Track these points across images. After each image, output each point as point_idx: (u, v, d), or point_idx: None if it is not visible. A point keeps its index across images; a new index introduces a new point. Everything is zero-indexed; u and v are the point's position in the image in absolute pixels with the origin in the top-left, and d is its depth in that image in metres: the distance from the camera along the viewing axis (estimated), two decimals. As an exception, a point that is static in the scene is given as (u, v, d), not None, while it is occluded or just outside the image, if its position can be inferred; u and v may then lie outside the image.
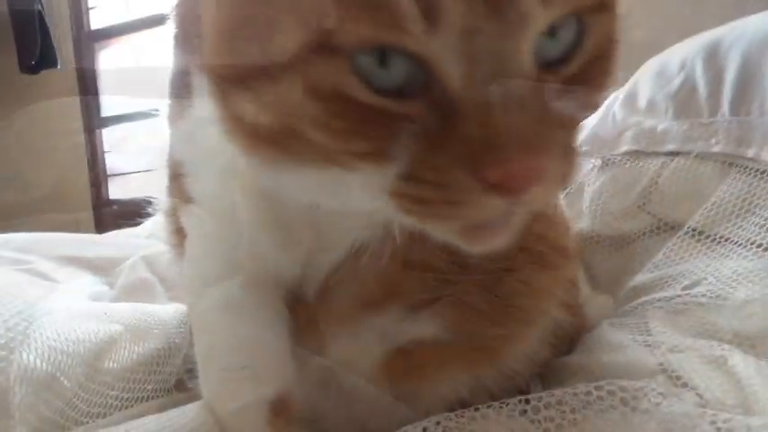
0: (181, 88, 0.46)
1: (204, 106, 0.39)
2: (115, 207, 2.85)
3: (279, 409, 0.41)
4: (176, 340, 0.54)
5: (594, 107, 0.34)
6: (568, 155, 0.30)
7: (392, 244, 0.41)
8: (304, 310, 0.45)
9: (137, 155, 2.82)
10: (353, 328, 0.45)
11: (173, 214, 0.53)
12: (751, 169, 0.54)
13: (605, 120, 0.72)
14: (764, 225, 0.50)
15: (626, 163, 0.66)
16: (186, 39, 0.42)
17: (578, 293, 0.53)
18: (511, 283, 0.45)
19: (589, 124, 0.73)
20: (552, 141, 0.28)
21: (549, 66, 0.29)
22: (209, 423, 0.42)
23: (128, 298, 0.76)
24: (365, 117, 0.29)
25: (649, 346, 0.47)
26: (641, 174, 0.64)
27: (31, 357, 0.39)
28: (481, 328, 0.45)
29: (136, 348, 0.51)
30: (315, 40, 0.28)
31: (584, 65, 0.31)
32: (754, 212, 0.52)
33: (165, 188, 0.58)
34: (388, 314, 0.45)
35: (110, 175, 2.91)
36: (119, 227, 1.10)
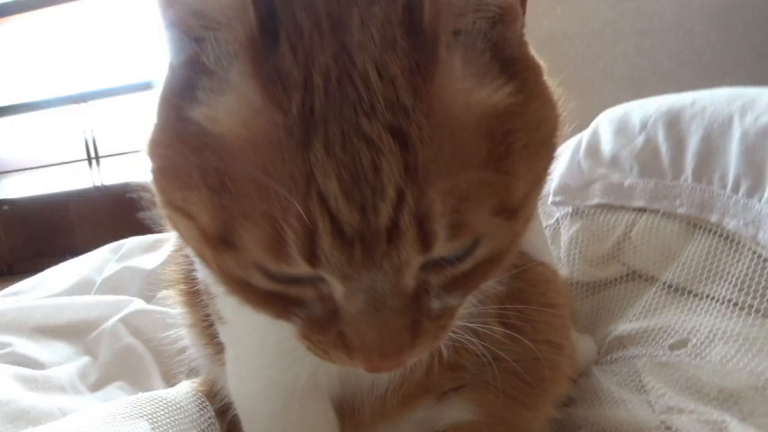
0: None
1: None
2: (6, 207, 2.64)
3: None
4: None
5: (475, 288, 0.37)
6: (441, 328, 0.35)
7: (439, 357, 0.46)
8: (352, 418, 0.48)
9: (31, 149, 2.61)
10: (393, 421, 0.49)
11: (203, 323, 0.54)
12: (714, 233, 0.63)
13: (572, 168, 0.79)
14: (730, 286, 0.59)
15: (598, 216, 0.73)
16: None
17: (576, 364, 0.60)
18: (540, 370, 0.50)
19: (558, 172, 0.80)
20: (410, 344, 0.33)
21: (439, 262, 0.33)
22: None
23: (119, 371, 0.74)
24: (265, 297, 0.34)
25: (650, 403, 0.55)
26: (613, 226, 0.71)
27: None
28: (512, 411, 0.51)
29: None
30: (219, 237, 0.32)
31: (475, 265, 0.34)
32: (721, 275, 0.60)
33: (184, 300, 0.58)
34: (423, 405, 0.50)
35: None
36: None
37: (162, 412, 0.55)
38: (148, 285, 0.98)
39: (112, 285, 0.99)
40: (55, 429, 0.47)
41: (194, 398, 0.60)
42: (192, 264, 0.52)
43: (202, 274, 0.48)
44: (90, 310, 0.83)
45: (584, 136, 0.83)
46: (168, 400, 0.58)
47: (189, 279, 0.56)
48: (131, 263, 1.04)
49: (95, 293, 0.99)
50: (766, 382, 0.51)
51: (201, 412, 0.58)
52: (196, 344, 0.58)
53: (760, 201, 0.57)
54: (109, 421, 0.51)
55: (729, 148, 0.61)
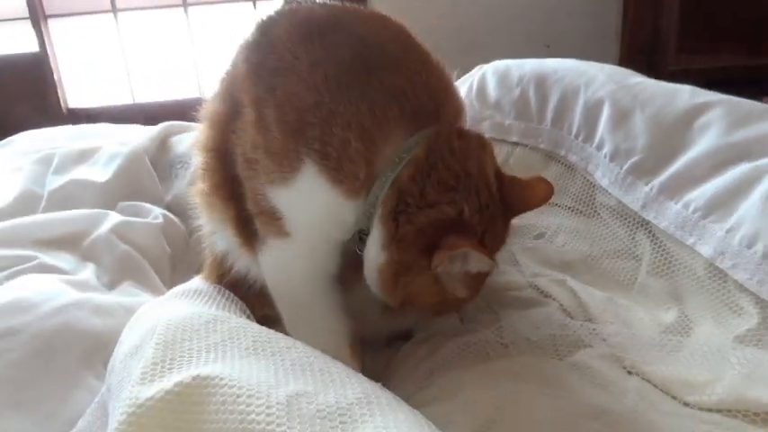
0: (285, 164, 0.62)
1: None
2: None
3: (352, 345, 0.71)
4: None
5: None
6: None
7: None
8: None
9: None
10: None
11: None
12: (562, 163, 0.96)
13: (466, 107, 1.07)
14: (569, 198, 0.94)
15: (487, 146, 1.03)
16: (298, 129, 0.61)
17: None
18: None
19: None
20: None
21: None
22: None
23: (123, 273, 0.90)
24: None
25: (522, 272, 0.89)
26: (497, 155, 1.02)
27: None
28: None
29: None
30: None
31: None
32: (565, 191, 0.94)
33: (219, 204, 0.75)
34: None
35: None
36: None
37: (203, 299, 0.76)
38: (103, 197, 1.09)
39: (63, 197, 1.09)
40: (151, 313, 0.66)
41: (216, 288, 0.81)
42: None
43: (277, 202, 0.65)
44: (75, 224, 0.95)
45: (474, 81, 1.11)
46: (202, 290, 0.78)
47: (226, 192, 0.73)
48: (74, 175, 1.13)
49: (46, 205, 1.08)
50: (587, 257, 0.87)
51: (226, 296, 0.79)
52: (226, 237, 0.76)
53: (591, 146, 0.90)
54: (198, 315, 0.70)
55: (576, 108, 0.93)
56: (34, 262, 0.82)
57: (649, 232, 0.81)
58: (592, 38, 3.16)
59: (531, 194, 0.67)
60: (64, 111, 3.15)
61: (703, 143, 0.76)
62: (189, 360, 0.54)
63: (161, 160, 1.21)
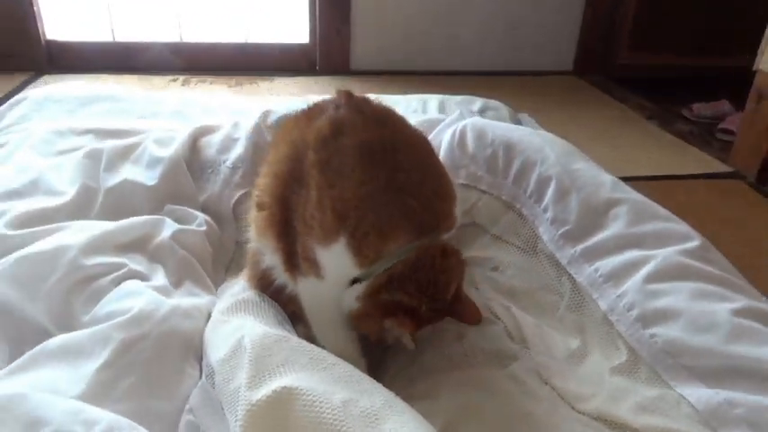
0: (329, 236, 0.92)
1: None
2: None
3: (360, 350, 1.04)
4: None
5: None
6: None
7: None
8: None
9: None
10: None
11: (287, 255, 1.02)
12: (516, 212, 1.29)
13: (449, 152, 1.37)
14: (519, 239, 1.27)
15: (462, 191, 1.34)
16: (343, 218, 0.90)
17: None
18: None
19: (442, 151, 1.37)
20: None
21: None
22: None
23: (183, 275, 1.16)
24: None
25: (480, 294, 1.22)
26: (469, 198, 1.33)
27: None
28: None
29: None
30: None
31: None
32: (517, 233, 1.28)
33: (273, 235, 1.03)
34: None
35: None
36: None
37: (253, 310, 1.06)
38: (152, 200, 1.34)
39: (117, 195, 1.33)
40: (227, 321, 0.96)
41: (261, 296, 1.11)
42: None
43: (317, 255, 0.95)
44: (137, 230, 1.19)
45: (457, 131, 1.40)
46: (254, 301, 1.08)
47: (278, 230, 1.01)
48: (126, 175, 1.36)
49: (103, 201, 1.32)
50: (527, 288, 1.21)
51: (270, 305, 1.09)
52: (272, 260, 1.04)
53: (539, 207, 1.23)
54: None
55: (532, 177, 1.25)
56: (125, 269, 1.08)
57: (571, 279, 1.16)
58: (557, 26, 3.44)
59: (466, 315, 0.99)
60: (42, 42, 3.19)
61: (613, 228, 1.10)
62: (273, 373, 0.84)
63: (193, 162, 1.45)
